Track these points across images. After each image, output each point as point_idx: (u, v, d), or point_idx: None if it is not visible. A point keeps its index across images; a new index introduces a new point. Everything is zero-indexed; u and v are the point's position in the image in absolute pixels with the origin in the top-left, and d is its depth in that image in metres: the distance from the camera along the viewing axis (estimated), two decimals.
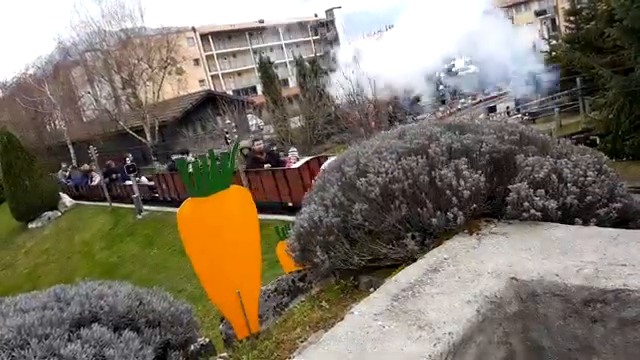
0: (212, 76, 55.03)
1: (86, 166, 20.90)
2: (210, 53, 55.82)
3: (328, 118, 22.49)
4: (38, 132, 35.01)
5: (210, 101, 29.04)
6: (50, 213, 19.04)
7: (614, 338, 1.52)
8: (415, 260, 2.12)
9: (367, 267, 2.45)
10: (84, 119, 35.14)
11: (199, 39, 53.88)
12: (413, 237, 2.28)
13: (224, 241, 2.11)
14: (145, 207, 14.58)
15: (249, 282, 2.25)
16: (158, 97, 29.54)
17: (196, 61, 51.29)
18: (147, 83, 29.04)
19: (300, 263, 2.77)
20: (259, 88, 41.69)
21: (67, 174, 22.30)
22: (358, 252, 2.44)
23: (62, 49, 33.20)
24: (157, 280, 9.74)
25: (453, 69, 41.80)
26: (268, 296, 2.63)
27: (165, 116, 29.23)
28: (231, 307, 2.19)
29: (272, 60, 39.75)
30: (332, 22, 66.75)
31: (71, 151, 32.13)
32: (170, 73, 31.45)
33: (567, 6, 22.44)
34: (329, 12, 66.86)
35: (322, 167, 4.31)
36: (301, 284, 2.71)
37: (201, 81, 50.40)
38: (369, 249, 2.43)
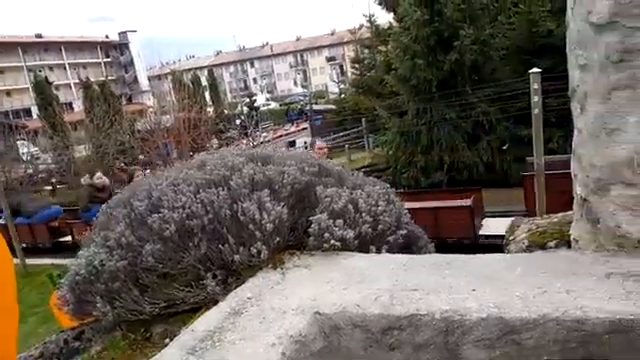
0: None
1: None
2: None
3: (121, 148, 20.53)
4: None
5: None
6: None
7: None
8: (217, 302, 1.92)
9: (161, 315, 2.16)
10: None
11: None
12: (214, 276, 2.09)
13: None
14: None
15: None
16: None
17: None
18: None
19: (76, 317, 2.29)
20: (35, 110, 36.15)
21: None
22: (150, 299, 2.13)
23: None
24: None
25: (255, 104, 43.52)
26: None
27: None
28: None
29: (52, 80, 35.11)
30: (126, 45, 62.69)
31: None
32: None
33: (352, 54, 25.67)
34: (122, 34, 62.75)
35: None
36: (77, 344, 2.23)
37: None
38: (164, 294, 2.14)
